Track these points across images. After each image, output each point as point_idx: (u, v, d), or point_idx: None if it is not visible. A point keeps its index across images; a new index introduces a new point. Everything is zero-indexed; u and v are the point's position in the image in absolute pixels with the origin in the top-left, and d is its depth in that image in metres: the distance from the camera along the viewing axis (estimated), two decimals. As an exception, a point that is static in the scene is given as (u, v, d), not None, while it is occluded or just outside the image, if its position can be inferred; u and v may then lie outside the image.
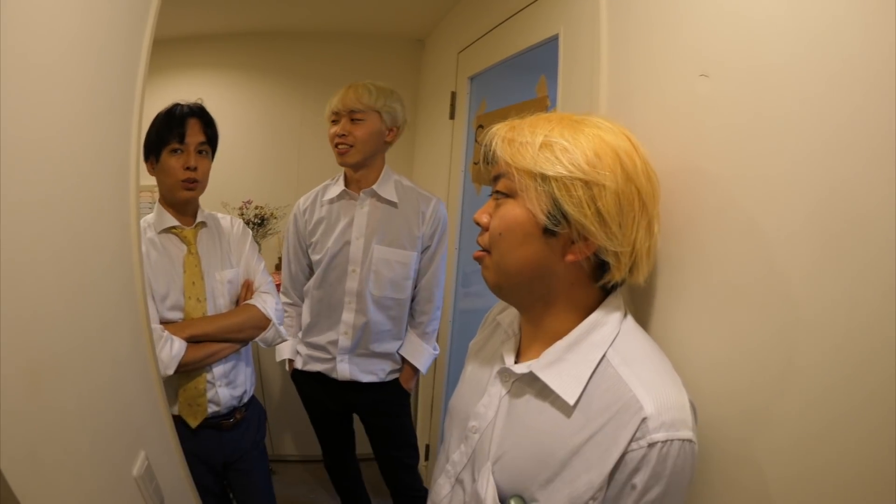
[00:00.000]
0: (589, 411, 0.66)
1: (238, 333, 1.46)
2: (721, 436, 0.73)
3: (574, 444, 0.65)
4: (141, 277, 1.04)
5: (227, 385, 1.47)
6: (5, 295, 0.60)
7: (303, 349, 1.81)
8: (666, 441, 0.61)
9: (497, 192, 0.72)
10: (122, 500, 0.85)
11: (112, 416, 0.86)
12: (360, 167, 1.64)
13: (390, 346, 1.76)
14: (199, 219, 1.48)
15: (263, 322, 1.50)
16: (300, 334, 1.83)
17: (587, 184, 0.64)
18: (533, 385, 0.72)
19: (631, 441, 0.62)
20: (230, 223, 1.58)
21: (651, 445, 0.61)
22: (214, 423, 1.46)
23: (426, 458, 2.44)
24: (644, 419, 0.61)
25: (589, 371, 0.67)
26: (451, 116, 2.30)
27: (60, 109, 0.74)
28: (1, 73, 0.59)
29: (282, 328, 1.55)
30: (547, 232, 0.68)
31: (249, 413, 1.57)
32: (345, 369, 1.73)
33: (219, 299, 1.47)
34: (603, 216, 0.65)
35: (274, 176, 2.98)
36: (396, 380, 1.81)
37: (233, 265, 1.52)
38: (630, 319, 0.73)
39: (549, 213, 0.66)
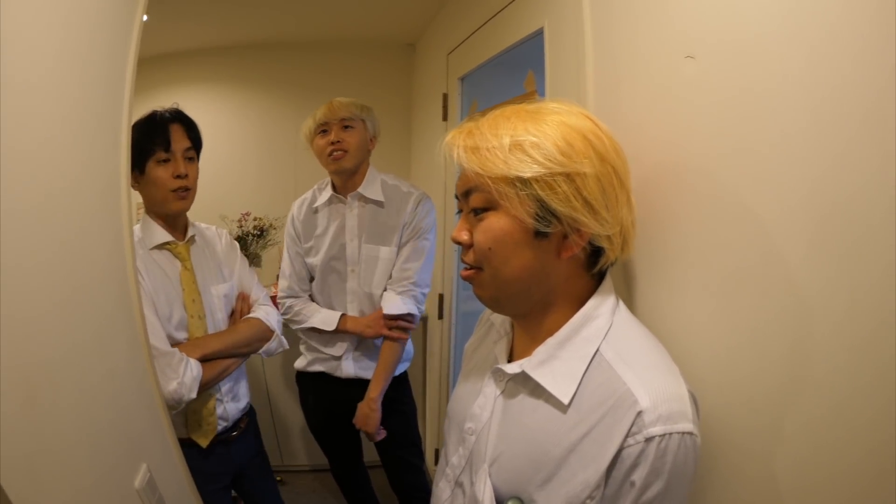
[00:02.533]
0: (583, 408, 0.63)
1: (245, 348, 1.46)
2: (726, 427, 0.71)
3: (569, 443, 0.63)
4: (136, 290, 1.04)
5: (232, 400, 1.46)
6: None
7: (306, 351, 1.83)
8: (664, 435, 0.58)
9: (474, 209, 0.68)
10: (124, 513, 0.85)
11: (111, 428, 0.86)
12: (352, 173, 1.69)
13: None
14: (189, 232, 1.42)
15: (268, 334, 1.50)
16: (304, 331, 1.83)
17: (569, 176, 0.62)
18: (526, 384, 0.70)
19: (627, 436, 0.59)
20: (216, 234, 1.54)
21: (648, 440, 0.58)
22: (223, 439, 1.44)
23: (436, 462, 2.42)
24: (639, 413, 0.59)
25: (582, 367, 0.65)
26: (444, 118, 2.31)
27: (46, 122, 0.75)
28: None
29: (283, 338, 1.56)
30: (538, 235, 0.65)
31: (250, 419, 1.58)
32: (349, 367, 1.75)
33: (217, 314, 1.44)
34: (591, 204, 0.63)
35: (271, 186, 2.99)
36: (400, 376, 1.82)
37: (226, 279, 1.49)
38: (623, 309, 0.71)
39: (537, 215, 0.63)
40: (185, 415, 1.37)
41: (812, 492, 0.61)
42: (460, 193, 0.70)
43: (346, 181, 1.71)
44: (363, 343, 1.75)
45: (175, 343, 1.31)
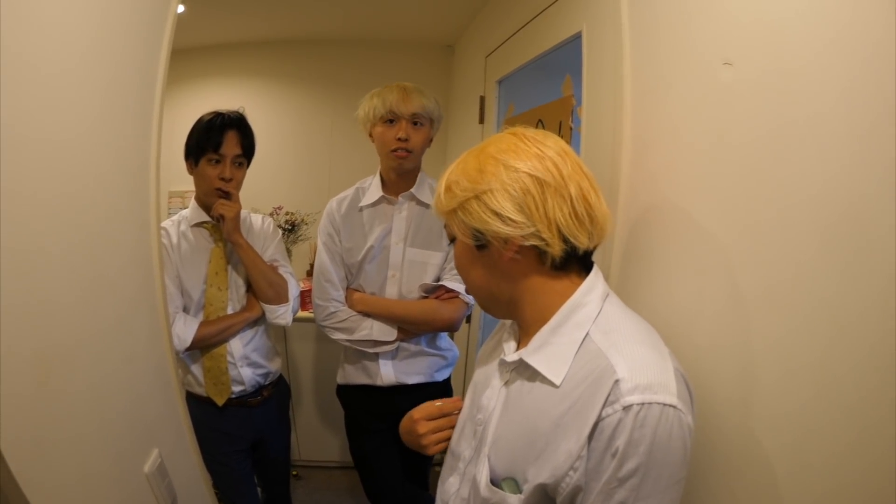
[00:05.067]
0: (570, 384, 0.68)
1: (268, 288, 1.55)
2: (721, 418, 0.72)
3: (556, 416, 0.67)
4: (160, 276, 1.05)
5: (248, 365, 1.56)
6: (12, 286, 0.61)
7: (345, 363, 1.71)
8: (642, 404, 0.60)
9: (449, 241, 0.81)
10: (131, 495, 0.86)
11: (124, 413, 0.87)
12: (410, 174, 1.58)
13: (433, 344, 1.67)
14: None
15: (284, 295, 1.59)
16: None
17: (477, 196, 0.71)
18: (525, 371, 0.75)
19: (605, 405, 0.62)
20: (261, 221, 1.67)
21: (626, 408, 0.60)
22: (242, 401, 1.56)
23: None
24: (616, 381, 0.62)
25: (573, 351, 0.70)
26: (481, 121, 2.28)
27: (76, 112, 0.76)
28: (15, 78, 0.60)
29: (289, 314, 1.61)
30: (480, 248, 0.75)
31: (277, 390, 1.68)
32: (388, 373, 1.62)
33: (241, 288, 1.57)
34: (500, 214, 0.70)
35: (305, 182, 3.01)
36: (443, 383, 1.70)
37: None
38: (613, 298, 0.75)
39: (470, 234, 0.73)
40: (203, 373, 1.52)
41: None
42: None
43: (399, 180, 1.58)
44: (402, 347, 1.62)
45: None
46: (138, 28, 0.94)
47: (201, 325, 1.48)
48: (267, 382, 1.63)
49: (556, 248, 0.70)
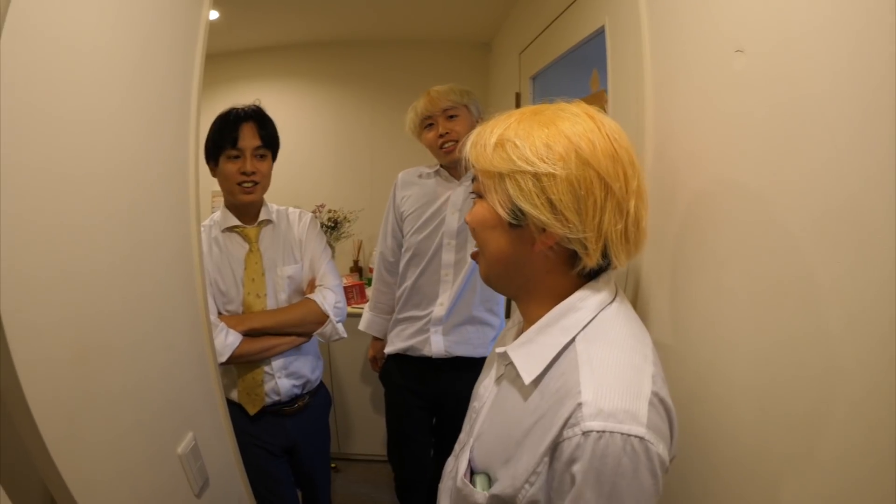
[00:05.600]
0: (544, 394, 0.65)
1: (297, 328, 1.50)
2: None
3: (526, 426, 0.65)
4: (201, 272, 1.11)
5: (287, 376, 1.51)
6: (64, 288, 0.68)
7: (394, 335, 1.80)
8: (602, 432, 0.56)
9: (472, 192, 0.75)
10: (163, 474, 0.91)
11: (162, 396, 0.93)
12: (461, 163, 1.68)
13: (489, 317, 1.73)
14: (261, 217, 1.52)
15: (321, 317, 1.52)
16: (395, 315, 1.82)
17: (536, 176, 0.63)
18: (512, 369, 0.72)
19: (564, 427, 0.59)
20: (298, 217, 1.60)
21: (585, 434, 0.57)
22: (276, 410, 1.51)
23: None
24: (579, 404, 0.58)
25: (553, 353, 0.66)
26: (516, 118, 2.28)
27: (131, 132, 0.85)
28: (83, 97, 0.66)
29: (340, 325, 1.56)
30: (512, 225, 0.68)
31: (315, 400, 1.61)
32: (439, 343, 1.69)
33: (280, 294, 1.51)
34: (556, 206, 0.63)
35: (347, 180, 3.09)
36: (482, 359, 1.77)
37: (296, 260, 1.56)
38: (616, 306, 0.69)
39: (510, 209, 0.66)
40: (235, 381, 1.47)
41: None
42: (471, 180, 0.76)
43: (458, 171, 1.69)
44: (454, 315, 1.69)
45: (230, 314, 1.46)
46: (175, 38, 1.00)
47: (243, 341, 1.41)
48: (304, 392, 1.57)
49: (594, 261, 0.66)
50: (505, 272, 0.73)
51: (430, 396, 1.77)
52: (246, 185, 1.43)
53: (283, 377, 1.50)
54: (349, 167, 3.10)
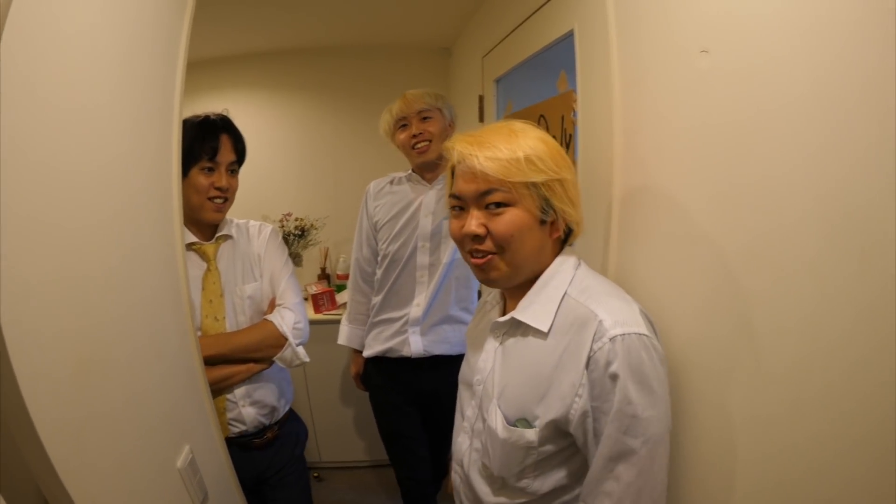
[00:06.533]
0: (559, 334, 0.83)
1: (255, 353, 1.36)
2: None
3: (554, 361, 0.82)
4: (185, 279, 1.10)
5: (251, 405, 1.38)
6: (61, 297, 0.67)
7: (371, 339, 1.83)
8: (624, 334, 0.75)
9: (492, 203, 0.84)
10: (166, 490, 0.90)
11: (157, 407, 0.92)
12: (435, 165, 1.71)
13: (465, 315, 1.77)
14: (219, 232, 1.40)
15: (280, 340, 1.38)
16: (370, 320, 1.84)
17: (560, 181, 0.84)
18: (517, 329, 0.90)
19: (594, 341, 0.77)
20: (258, 231, 1.48)
21: (612, 339, 0.75)
22: (243, 442, 1.38)
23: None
24: (600, 321, 0.77)
25: (555, 306, 0.85)
26: (481, 119, 2.33)
27: (116, 145, 0.83)
28: (71, 105, 0.65)
29: (300, 349, 1.43)
30: (542, 222, 0.85)
31: (284, 430, 1.48)
32: (417, 343, 1.73)
33: (239, 316, 1.38)
34: (573, 200, 0.86)
35: (312, 187, 3.08)
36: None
37: (255, 278, 1.43)
38: (584, 266, 0.90)
39: (542, 208, 0.84)
40: None
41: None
42: (473, 193, 0.84)
43: (429, 172, 1.74)
44: (431, 314, 1.73)
45: None
46: (158, 45, 0.99)
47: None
48: (272, 422, 1.43)
49: (579, 233, 0.91)
50: (532, 263, 0.88)
51: (413, 394, 1.81)
52: (217, 200, 1.34)
53: (247, 405, 1.37)
54: (313, 175, 3.10)
